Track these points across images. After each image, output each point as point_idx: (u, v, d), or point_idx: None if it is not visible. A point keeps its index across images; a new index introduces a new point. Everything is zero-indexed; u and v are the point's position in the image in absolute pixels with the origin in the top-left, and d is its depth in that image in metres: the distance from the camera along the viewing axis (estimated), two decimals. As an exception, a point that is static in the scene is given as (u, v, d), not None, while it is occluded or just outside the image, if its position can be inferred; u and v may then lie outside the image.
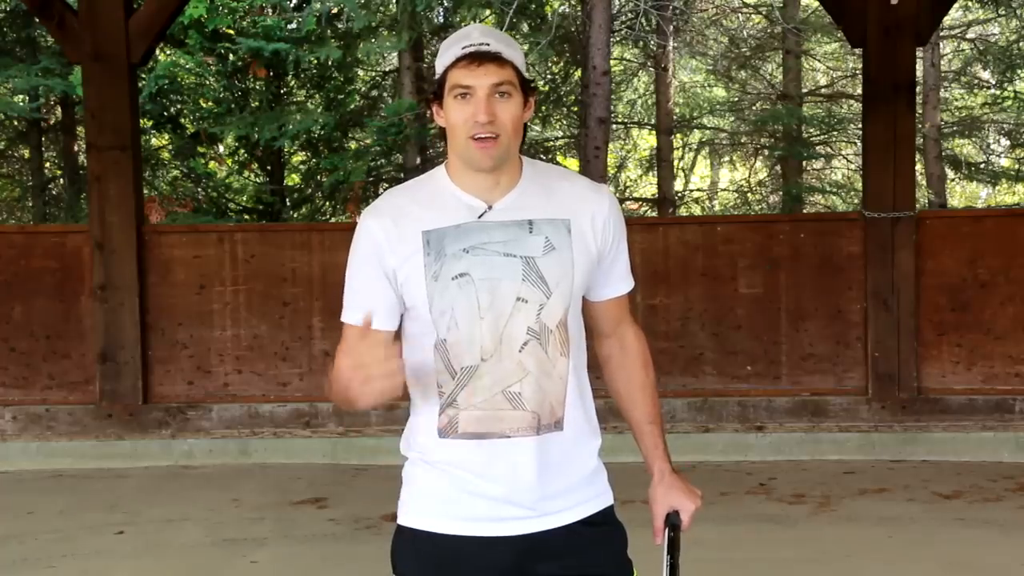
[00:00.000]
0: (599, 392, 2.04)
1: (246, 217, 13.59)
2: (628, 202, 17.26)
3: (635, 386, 2.06)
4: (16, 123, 14.13)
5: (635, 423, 2.07)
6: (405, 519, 1.96)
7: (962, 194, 18.40)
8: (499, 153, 1.86)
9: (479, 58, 1.83)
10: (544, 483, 1.90)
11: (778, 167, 15.72)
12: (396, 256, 1.89)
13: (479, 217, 1.89)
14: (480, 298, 1.87)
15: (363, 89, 14.64)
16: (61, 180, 14.06)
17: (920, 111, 12.96)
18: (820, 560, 4.57)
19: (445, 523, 1.91)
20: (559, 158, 15.62)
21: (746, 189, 16.56)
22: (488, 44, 1.84)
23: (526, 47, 13.85)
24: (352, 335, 1.91)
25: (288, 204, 13.68)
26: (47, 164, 14.37)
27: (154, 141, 13.86)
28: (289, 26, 12.46)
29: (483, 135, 1.84)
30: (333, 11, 12.56)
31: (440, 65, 1.88)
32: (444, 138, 1.92)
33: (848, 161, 16.02)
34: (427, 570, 1.93)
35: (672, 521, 2.00)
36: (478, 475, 1.89)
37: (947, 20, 13.75)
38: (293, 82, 13.41)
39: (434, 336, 1.89)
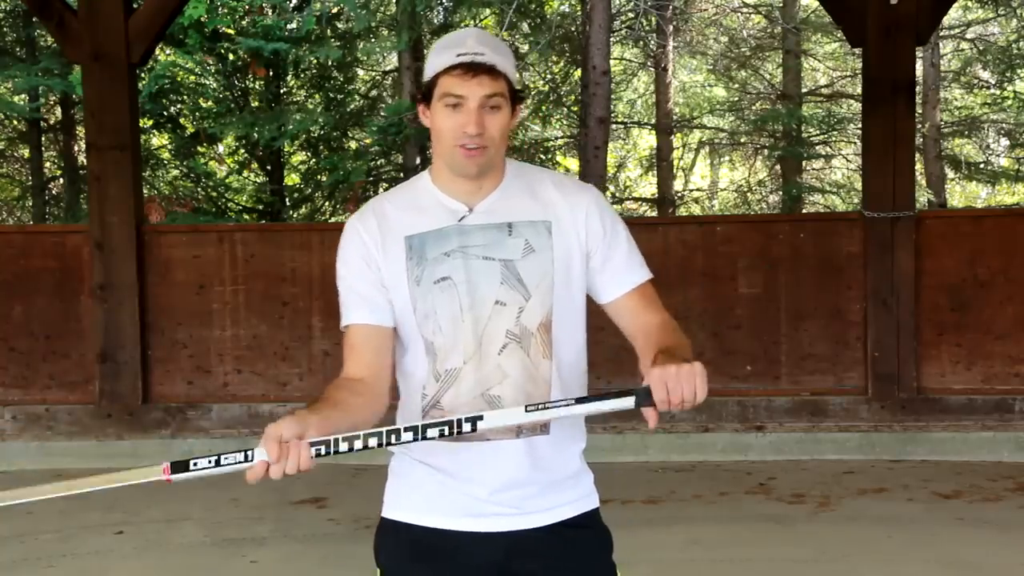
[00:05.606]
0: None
1: (246, 217, 13.59)
2: (628, 202, 17.28)
3: (649, 346, 1.87)
4: (16, 123, 14.13)
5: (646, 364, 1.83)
6: (389, 512, 1.98)
7: (962, 194, 18.40)
8: (485, 162, 1.87)
9: (473, 69, 1.81)
10: (526, 484, 1.90)
11: (778, 167, 15.72)
12: (382, 260, 1.91)
13: (459, 220, 1.90)
14: (462, 301, 1.88)
15: (363, 89, 14.64)
16: (61, 180, 14.05)
17: (920, 111, 12.97)
18: (820, 560, 4.57)
19: (428, 517, 1.92)
20: (559, 158, 15.61)
21: (746, 189, 16.55)
22: (483, 54, 1.82)
23: (525, 47, 13.86)
24: (357, 336, 1.91)
25: (288, 204, 13.67)
26: (47, 164, 14.35)
27: (154, 141, 13.85)
28: (289, 26, 12.45)
29: (471, 145, 1.84)
30: (333, 11, 12.56)
31: (431, 68, 1.85)
32: (431, 137, 1.92)
33: (848, 161, 16.01)
34: (408, 563, 1.94)
35: (636, 391, 1.66)
36: (461, 478, 1.90)
37: (947, 20, 13.75)
38: (293, 82, 13.40)
39: (421, 341, 1.90)
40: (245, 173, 14.36)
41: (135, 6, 7.09)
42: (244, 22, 12.26)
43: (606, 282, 1.96)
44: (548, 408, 1.70)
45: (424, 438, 1.69)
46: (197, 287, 6.85)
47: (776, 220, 8.55)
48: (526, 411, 1.70)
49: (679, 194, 16.64)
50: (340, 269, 1.96)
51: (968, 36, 15.34)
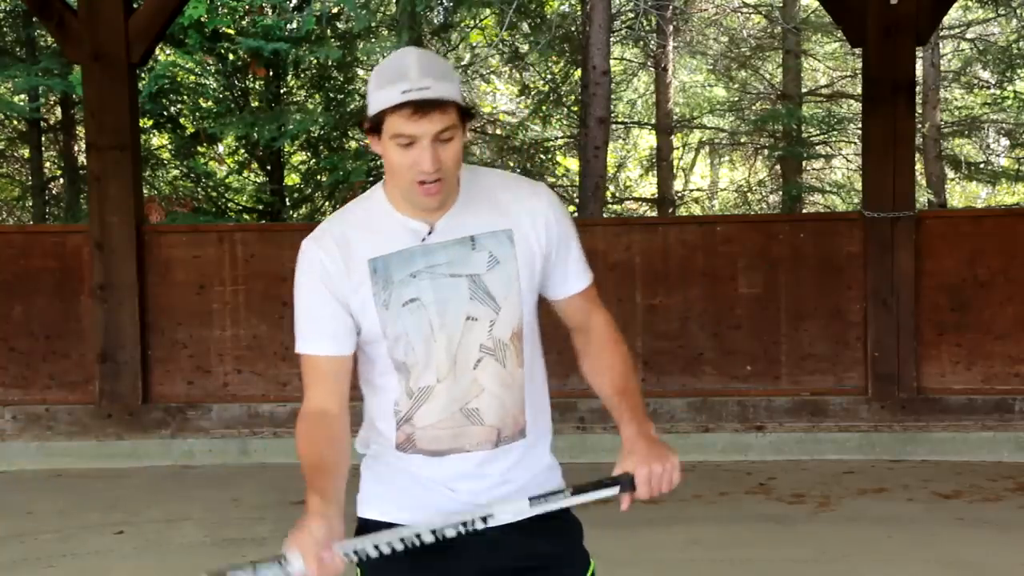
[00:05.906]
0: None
1: (246, 217, 13.58)
2: (628, 202, 17.28)
3: (602, 364, 2.01)
4: (16, 123, 14.12)
5: (606, 399, 2.00)
6: (367, 511, 1.99)
7: (962, 194, 18.40)
8: (444, 194, 1.85)
9: (423, 108, 1.75)
10: (502, 486, 1.94)
11: (778, 167, 15.73)
12: (346, 285, 1.88)
13: (422, 240, 1.89)
14: (432, 321, 1.88)
15: (363, 89, 14.62)
16: (61, 180, 14.04)
17: (920, 111, 12.97)
18: (820, 560, 4.57)
19: (404, 515, 1.93)
20: (559, 158, 15.61)
21: (746, 189, 16.56)
22: (428, 87, 1.75)
23: (525, 47, 13.86)
24: (318, 365, 1.91)
25: (288, 204, 13.67)
26: (47, 164, 14.34)
27: (154, 141, 13.84)
28: (289, 26, 12.45)
29: (430, 180, 1.81)
30: (333, 11, 12.56)
31: (377, 103, 1.79)
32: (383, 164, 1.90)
33: (848, 161, 16.01)
34: (386, 561, 1.93)
35: (621, 480, 1.84)
36: (438, 485, 1.94)
37: (947, 20, 13.75)
38: (293, 82, 13.39)
39: (392, 361, 1.91)
40: (245, 173, 14.35)
41: (135, 6, 7.09)
42: (244, 22, 12.25)
43: (558, 282, 2.01)
44: (549, 500, 1.86)
45: (444, 537, 1.81)
46: (197, 287, 6.85)
47: (776, 220, 8.55)
48: (530, 504, 1.85)
49: (679, 194, 16.64)
50: (297, 292, 1.92)
51: (968, 36, 15.34)
